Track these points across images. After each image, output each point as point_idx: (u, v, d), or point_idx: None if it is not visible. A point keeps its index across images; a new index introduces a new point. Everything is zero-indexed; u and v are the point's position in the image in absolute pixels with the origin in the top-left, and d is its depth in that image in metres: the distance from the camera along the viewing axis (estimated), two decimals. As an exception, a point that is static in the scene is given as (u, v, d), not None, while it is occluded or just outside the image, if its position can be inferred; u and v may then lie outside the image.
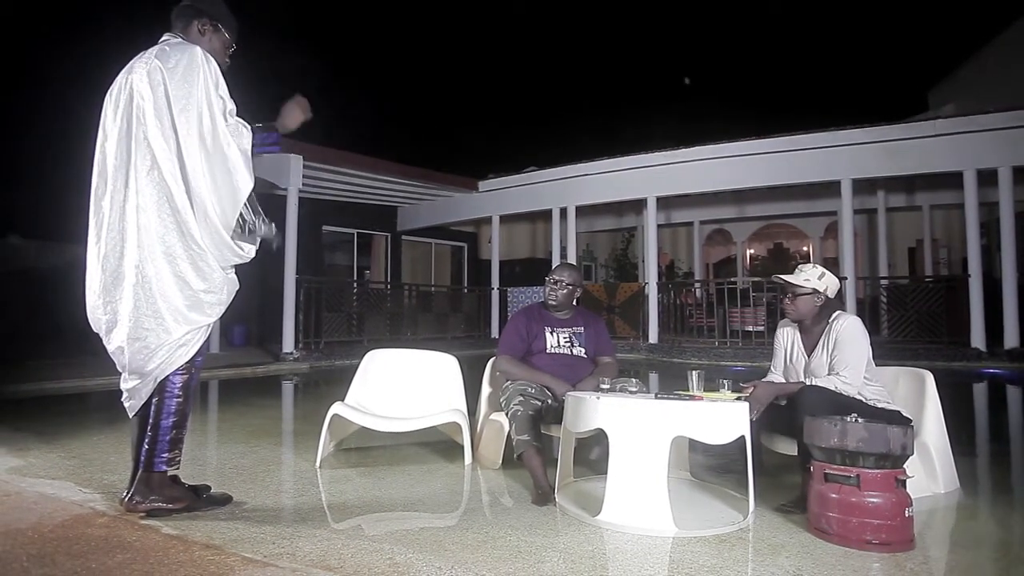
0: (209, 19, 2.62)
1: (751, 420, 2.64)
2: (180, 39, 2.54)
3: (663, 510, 2.37)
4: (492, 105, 29.66)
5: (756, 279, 11.80)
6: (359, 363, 3.89)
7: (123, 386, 2.46)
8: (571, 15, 30.22)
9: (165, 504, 2.42)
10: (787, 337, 3.08)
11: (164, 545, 2.14)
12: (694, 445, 3.12)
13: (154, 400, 2.42)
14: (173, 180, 2.36)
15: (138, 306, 2.36)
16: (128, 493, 2.41)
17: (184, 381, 2.45)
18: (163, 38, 2.57)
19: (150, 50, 2.49)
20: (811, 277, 2.93)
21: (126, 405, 2.47)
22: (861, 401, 2.72)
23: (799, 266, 3.03)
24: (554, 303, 3.44)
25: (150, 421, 2.41)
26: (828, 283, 2.92)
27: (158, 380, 2.41)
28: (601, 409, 2.58)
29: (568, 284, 3.44)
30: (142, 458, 2.41)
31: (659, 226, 12.47)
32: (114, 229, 2.39)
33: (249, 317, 11.65)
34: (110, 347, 2.45)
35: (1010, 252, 9.11)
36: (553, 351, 3.36)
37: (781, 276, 3.04)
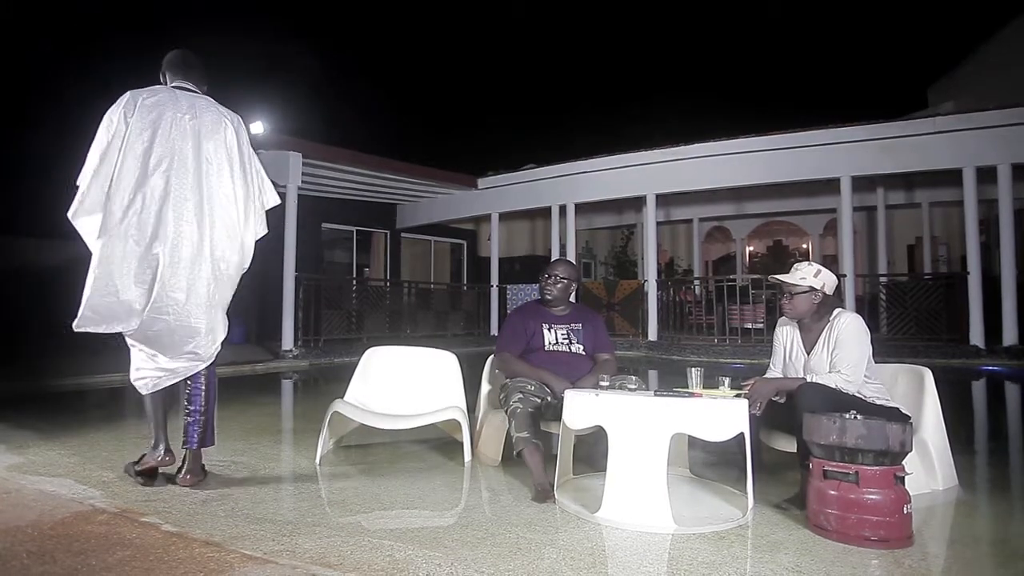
0: (206, 77, 3.03)
1: (752, 416, 2.64)
2: (206, 95, 2.97)
3: (662, 507, 2.38)
4: (492, 103, 29.64)
5: (755, 276, 11.80)
6: (359, 360, 3.89)
7: (172, 365, 2.82)
8: (571, 13, 30.17)
9: (204, 476, 2.88)
10: (786, 335, 3.08)
11: (164, 542, 2.15)
12: (693, 442, 3.12)
13: (202, 385, 2.87)
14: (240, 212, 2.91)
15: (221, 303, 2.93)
16: (182, 471, 2.79)
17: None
18: (187, 86, 2.94)
19: (205, 100, 2.93)
20: (807, 275, 2.92)
21: (169, 382, 2.82)
22: (860, 398, 2.72)
23: (795, 264, 3.02)
24: (550, 298, 3.44)
25: (201, 405, 2.86)
26: (825, 280, 2.92)
27: (210, 362, 2.90)
28: (600, 406, 2.58)
29: (563, 279, 3.43)
30: (195, 437, 2.82)
31: (658, 223, 12.45)
32: (213, 246, 2.84)
33: (248, 314, 11.61)
34: (201, 349, 2.84)
35: (1009, 249, 9.11)
36: (551, 348, 3.36)
37: (777, 276, 3.03)
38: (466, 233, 17.07)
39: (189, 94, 2.91)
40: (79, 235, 2.72)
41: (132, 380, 2.86)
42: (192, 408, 2.85)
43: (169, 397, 2.92)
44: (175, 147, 2.77)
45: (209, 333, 2.86)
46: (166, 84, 2.97)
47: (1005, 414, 5.90)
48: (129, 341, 2.84)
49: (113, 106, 2.75)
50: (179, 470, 2.82)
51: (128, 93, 2.77)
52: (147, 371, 2.82)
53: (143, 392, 2.83)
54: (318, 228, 13.35)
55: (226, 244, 2.86)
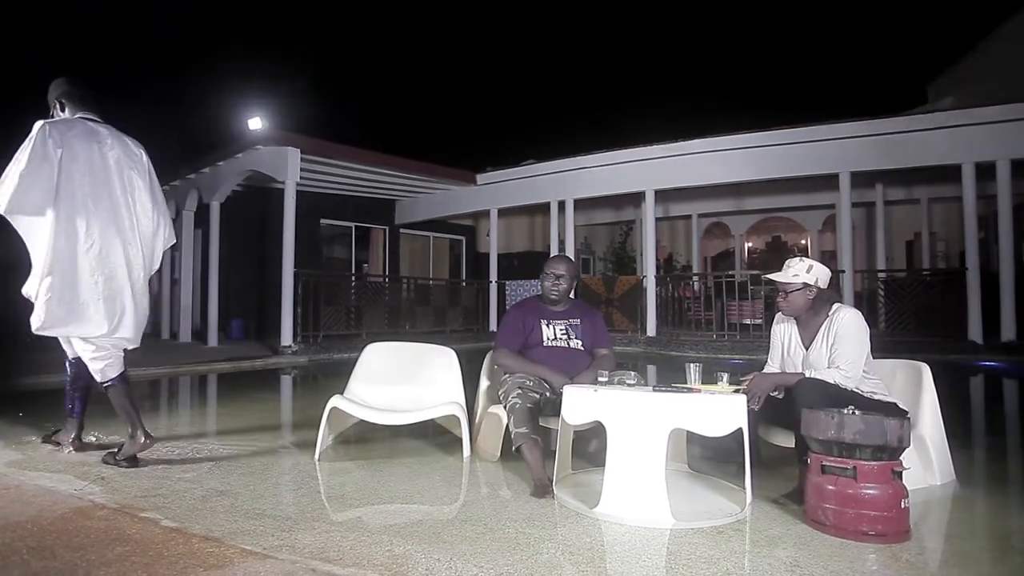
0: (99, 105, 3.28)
1: (751, 411, 2.65)
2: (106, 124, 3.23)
3: (661, 502, 2.38)
4: (491, 98, 29.60)
5: (754, 272, 11.80)
6: (357, 356, 3.89)
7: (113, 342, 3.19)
8: (570, 9, 30.10)
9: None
10: (784, 331, 3.07)
11: (163, 537, 2.15)
12: (692, 437, 3.13)
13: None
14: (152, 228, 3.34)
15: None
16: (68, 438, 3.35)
17: None
18: (91, 116, 3.18)
19: (113, 129, 3.21)
20: (800, 272, 2.90)
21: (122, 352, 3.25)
22: (858, 394, 2.73)
23: (787, 262, 2.99)
24: (555, 297, 3.43)
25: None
26: (818, 274, 2.90)
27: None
28: (599, 401, 2.59)
29: (563, 276, 3.43)
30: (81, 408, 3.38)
31: (657, 219, 12.43)
32: (140, 251, 3.25)
33: (247, 311, 11.63)
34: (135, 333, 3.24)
35: (1008, 245, 9.10)
36: (550, 344, 3.36)
37: (770, 275, 3.02)
38: (465, 229, 17.05)
39: (99, 125, 3.18)
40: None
41: (108, 377, 3.14)
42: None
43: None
44: (104, 176, 3.09)
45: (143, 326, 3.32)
46: (63, 112, 3.17)
47: (1003, 410, 5.91)
48: (87, 344, 3.11)
49: (35, 134, 2.91)
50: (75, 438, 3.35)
51: (45, 124, 2.97)
52: (107, 359, 3.15)
53: (115, 374, 3.16)
54: (317, 224, 13.34)
55: (148, 256, 3.30)
